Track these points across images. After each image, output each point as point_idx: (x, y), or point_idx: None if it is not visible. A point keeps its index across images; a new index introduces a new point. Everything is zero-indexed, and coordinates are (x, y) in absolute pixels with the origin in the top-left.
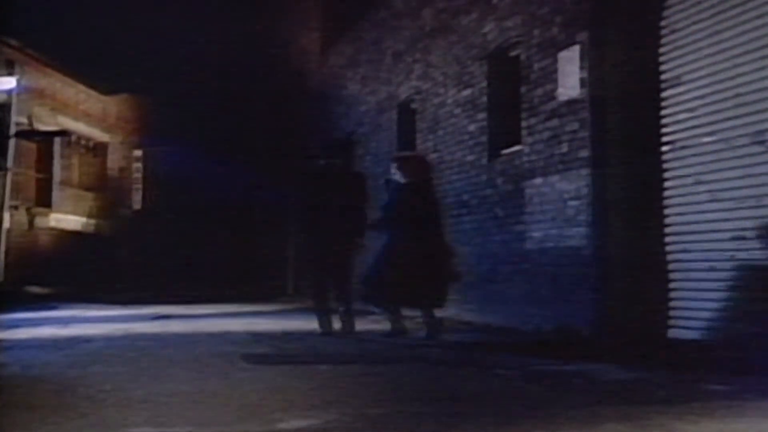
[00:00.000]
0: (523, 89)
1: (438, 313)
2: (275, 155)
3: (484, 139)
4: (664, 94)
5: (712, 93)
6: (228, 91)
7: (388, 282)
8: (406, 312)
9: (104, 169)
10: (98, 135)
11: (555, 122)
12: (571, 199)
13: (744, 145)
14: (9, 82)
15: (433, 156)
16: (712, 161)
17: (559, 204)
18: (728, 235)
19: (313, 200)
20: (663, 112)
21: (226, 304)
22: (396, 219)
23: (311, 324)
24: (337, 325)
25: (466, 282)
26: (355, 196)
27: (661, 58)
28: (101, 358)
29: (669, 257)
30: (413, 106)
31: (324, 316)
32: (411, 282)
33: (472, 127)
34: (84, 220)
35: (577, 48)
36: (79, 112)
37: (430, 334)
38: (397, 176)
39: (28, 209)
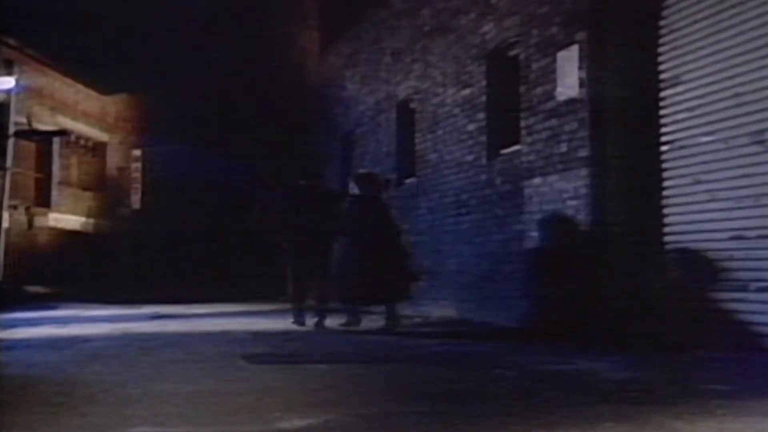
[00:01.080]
0: (522, 89)
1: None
2: (274, 155)
3: (483, 138)
4: (663, 94)
5: (711, 93)
6: (227, 91)
7: (350, 282)
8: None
9: (103, 168)
10: (97, 135)
11: (554, 122)
12: (570, 198)
13: (743, 145)
14: (8, 82)
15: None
16: (711, 161)
17: (558, 204)
18: (727, 234)
19: (294, 216)
20: (662, 112)
21: (225, 303)
22: (350, 224)
23: (309, 324)
24: (310, 321)
25: (465, 282)
26: (331, 213)
27: (660, 58)
28: (100, 358)
29: (667, 257)
30: (412, 105)
31: (299, 314)
32: (371, 281)
33: (471, 127)
34: (83, 219)
35: (575, 48)
36: (78, 112)
37: (389, 326)
38: (354, 190)
39: (27, 209)
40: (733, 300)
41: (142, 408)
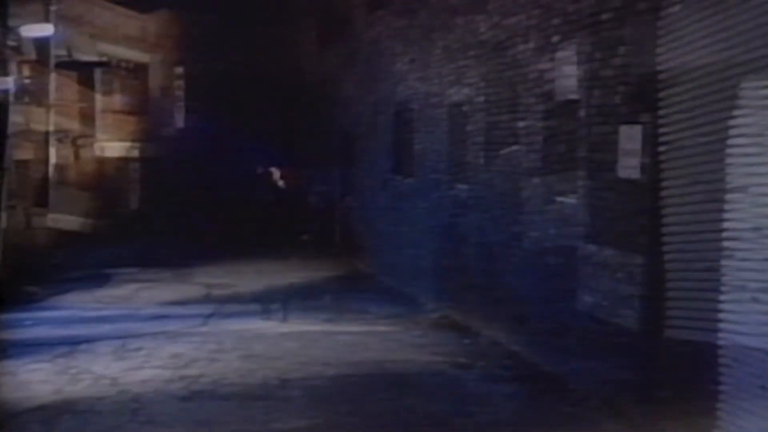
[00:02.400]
0: (520, 89)
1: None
2: (273, 154)
3: (481, 139)
4: (661, 94)
5: (710, 93)
6: (225, 90)
7: None
8: None
9: (101, 168)
10: (96, 135)
11: (552, 122)
12: (568, 199)
13: (741, 145)
14: (6, 83)
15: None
16: (709, 161)
17: (556, 204)
18: (725, 235)
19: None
20: (660, 112)
21: (224, 304)
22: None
23: (308, 324)
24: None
25: (462, 282)
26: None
27: (659, 58)
28: (99, 358)
29: (666, 257)
30: (411, 105)
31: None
32: None
33: (469, 127)
34: (81, 220)
35: (574, 48)
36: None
37: None
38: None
39: (25, 209)
40: (731, 301)
41: (140, 408)
